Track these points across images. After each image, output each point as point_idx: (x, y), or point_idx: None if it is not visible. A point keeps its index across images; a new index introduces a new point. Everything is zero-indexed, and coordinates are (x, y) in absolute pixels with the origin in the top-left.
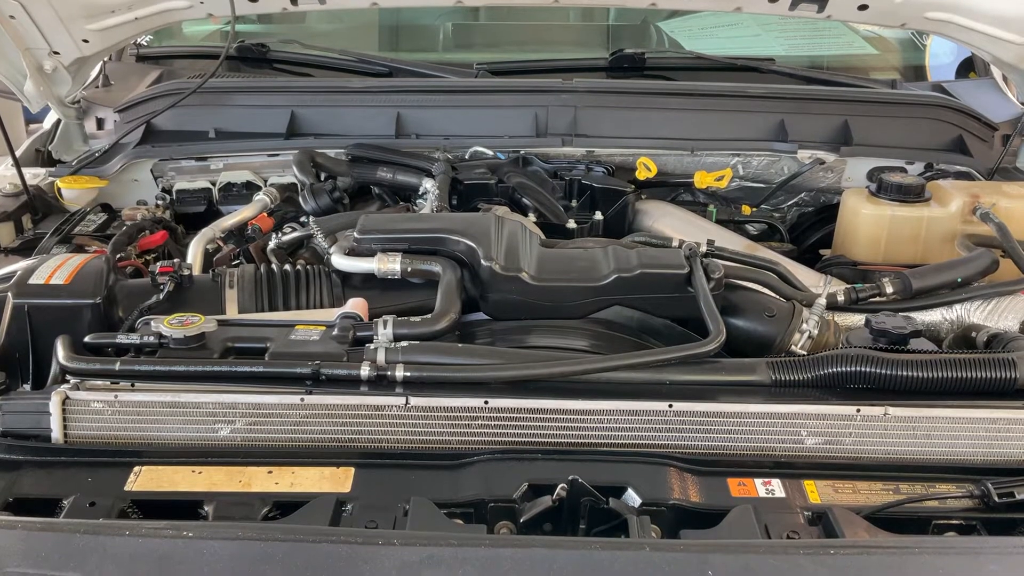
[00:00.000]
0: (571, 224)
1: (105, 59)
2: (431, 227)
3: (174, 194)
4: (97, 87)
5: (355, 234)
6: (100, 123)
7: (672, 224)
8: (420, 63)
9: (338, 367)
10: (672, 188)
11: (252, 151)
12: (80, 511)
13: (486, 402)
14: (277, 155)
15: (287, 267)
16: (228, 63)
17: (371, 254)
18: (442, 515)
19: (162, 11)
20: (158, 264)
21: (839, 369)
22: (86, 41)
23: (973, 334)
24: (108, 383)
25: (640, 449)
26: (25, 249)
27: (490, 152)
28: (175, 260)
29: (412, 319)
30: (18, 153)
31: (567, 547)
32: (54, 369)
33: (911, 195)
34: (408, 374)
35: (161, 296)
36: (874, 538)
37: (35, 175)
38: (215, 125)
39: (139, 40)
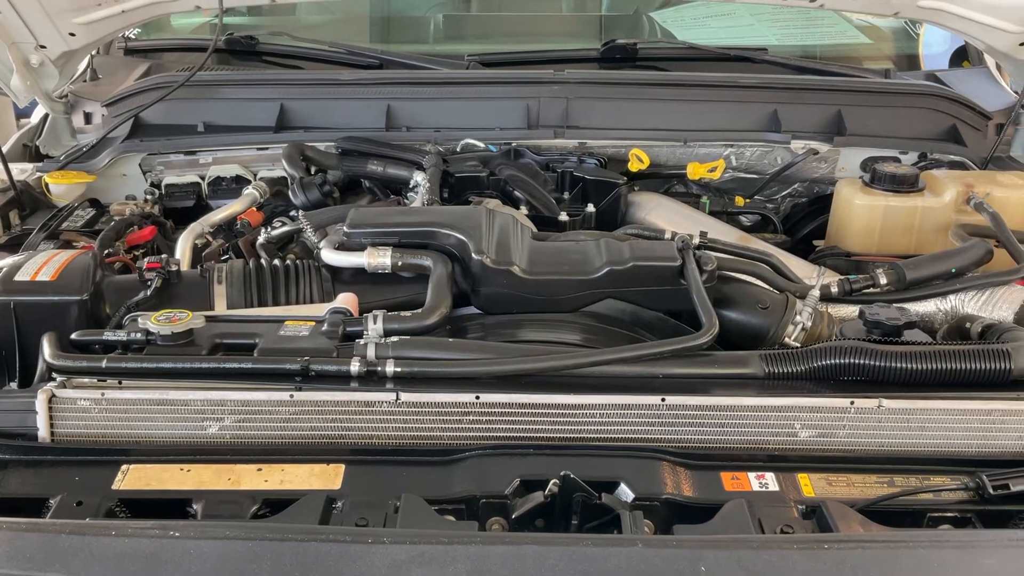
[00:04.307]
0: (563, 216)
1: (92, 53)
2: (421, 221)
3: (163, 188)
4: (85, 81)
5: (345, 228)
6: (88, 117)
7: (665, 216)
8: (411, 55)
9: (328, 363)
10: (665, 179)
11: (241, 145)
12: (67, 510)
13: (477, 397)
14: (267, 149)
15: (276, 262)
16: (217, 56)
17: (361, 248)
18: (433, 512)
19: (150, 4)
20: (146, 260)
21: (833, 361)
22: (73, 35)
23: (967, 325)
24: (95, 381)
25: (633, 443)
26: (12, 245)
27: (481, 144)
28: (163, 255)
29: (402, 314)
30: (5, 148)
31: (559, 544)
32: (40, 367)
33: (905, 185)
34: (398, 369)
35: (149, 292)
36: (868, 532)
37: (22, 170)
38: (204, 118)
39: (127, 33)
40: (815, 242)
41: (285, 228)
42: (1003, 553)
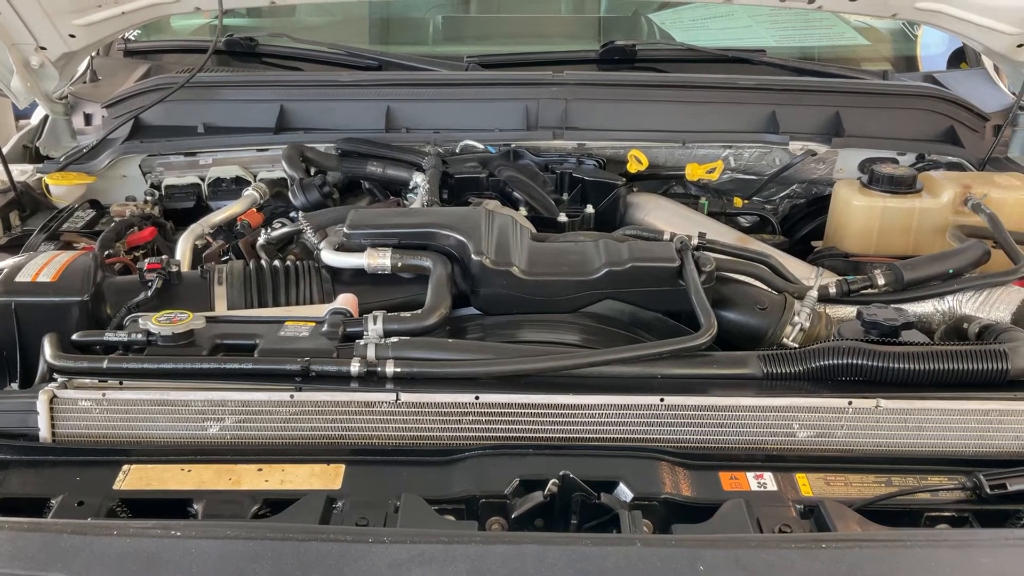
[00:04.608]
0: (562, 217)
1: (92, 54)
2: (421, 222)
3: (163, 190)
4: (85, 82)
5: (345, 229)
6: (88, 119)
7: (663, 217)
8: (410, 56)
9: (328, 363)
10: (663, 181)
11: (241, 146)
12: (68, 510)
13: (477, 397)
14: (266, 150)
15: (276, 263)
16: (217, 57)
17: (361, 249)
18: (433, 512)
19: (150, 5)
20: (146, 261)
21: (830, 362)
22: (73, 36)
23: (965, 325)
24: (96, 381)
25: (632, 443)
26: (12, 246)
27: (481, 146)
28: (163, 256)
29: (402, 314)
30: (5, 149)
31: (558, 543)
32: (41, 367)
33: (903, 186)
34: (398, 370)
35: (149, 293)
36: (865, 531)
37: (23, 171)
38: (204, 120)
39: (127, 35)
40: (813, 243)
41: (285, 229)
42: (999, 552)
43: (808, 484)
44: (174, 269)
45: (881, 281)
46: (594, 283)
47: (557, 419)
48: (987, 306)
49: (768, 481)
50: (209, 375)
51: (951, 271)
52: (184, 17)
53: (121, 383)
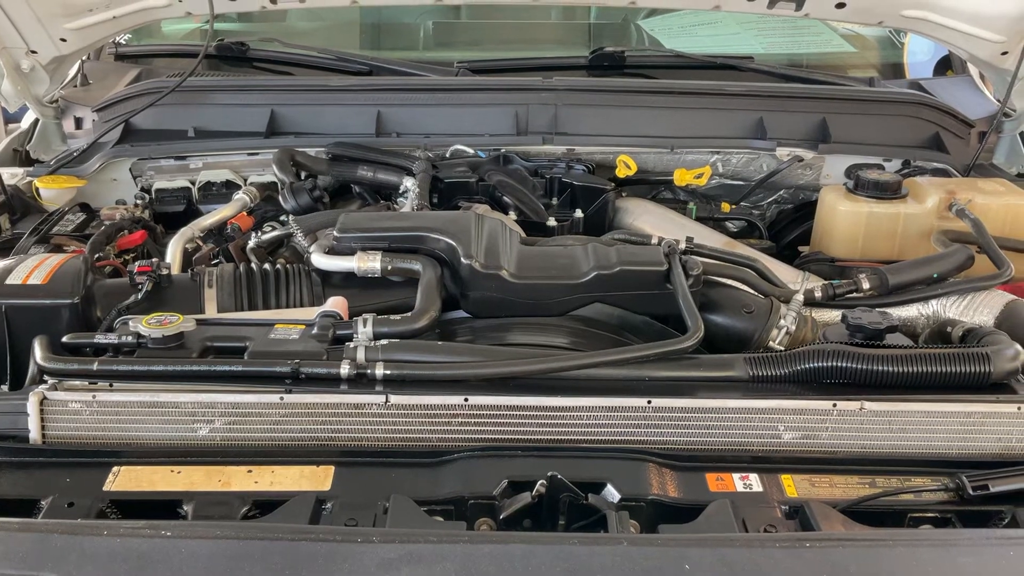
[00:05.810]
0: (551, 222)
1: (83, 58)
2: (411, 225)
3: (153, 193)
4: (75, 86)
5: (335, 233)
6: (78, 122)
7: (652, 221)
8: (401, 61)
9: (318, 366)
10: (652, 186)
11: (232, 150)
12: (58, 511)
13: (466, 400)
14: (257, 154)
15: (267, 266)
16: (208, 62)
17: (351, 253)
18: (422, 512)
19: (141, 9)
20: (136, 264)
21: (816, 364)
22: (64, 40)
23: (949, 329)
24: (86, 383)
25: (619, 445)
26: (3, 249)
27: (471, 150)
28: (154, 260)
29: (392, 317)
30: None
31: (545, 543)
32: (32, 369)
33: (888, 192)
34: (388, 372)
35: (139, 296)
36: (849, 531)
37: (13, 175)
38: (194, 124)
39: (118, 39)
40: (800, 248)
41: (275, 233)
42: (981, 551)
43: (793, 485)
44: (164, 272)
45: (866, 285)
46: (583, 286)
47: (545, 421)
48: (971, 310)
49: (754, 482)
50: (199, 377)
51: (935, 275)
52: (175, 21)
53: (111, 385)
